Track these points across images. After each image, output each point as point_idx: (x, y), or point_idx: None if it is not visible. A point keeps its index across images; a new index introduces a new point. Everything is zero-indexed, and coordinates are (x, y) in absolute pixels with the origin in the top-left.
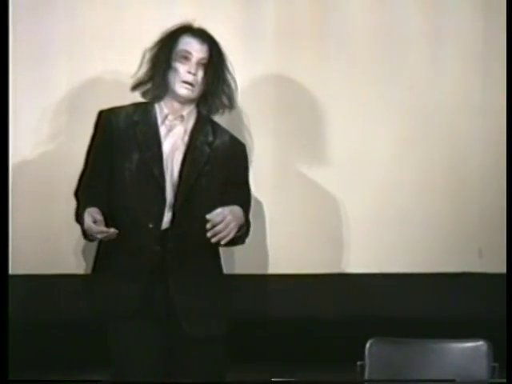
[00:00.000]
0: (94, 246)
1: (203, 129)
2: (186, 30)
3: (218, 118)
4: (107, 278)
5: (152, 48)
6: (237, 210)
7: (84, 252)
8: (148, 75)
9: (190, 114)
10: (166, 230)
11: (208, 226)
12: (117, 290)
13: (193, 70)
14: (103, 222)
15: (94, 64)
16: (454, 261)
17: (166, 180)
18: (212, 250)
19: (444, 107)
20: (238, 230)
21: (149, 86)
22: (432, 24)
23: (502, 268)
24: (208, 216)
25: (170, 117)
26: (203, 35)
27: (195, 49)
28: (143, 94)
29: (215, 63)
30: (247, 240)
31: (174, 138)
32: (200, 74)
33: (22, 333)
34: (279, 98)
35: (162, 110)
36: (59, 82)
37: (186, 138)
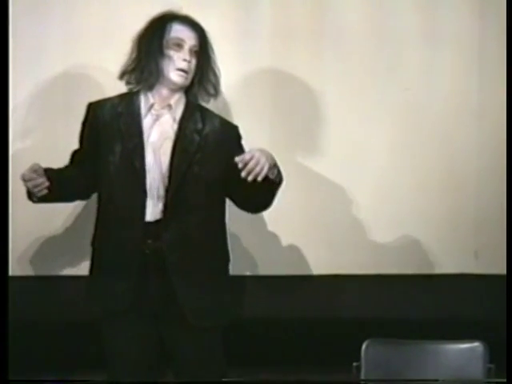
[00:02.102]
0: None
1: (192, 116)
2: (173, 17)
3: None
4: (105, 277)
5: (139, 36)
6: (264, 149)
7: (83, 254)
8: (136, 63)
9: (178, 102)
10: (158, 221)
11: (240, 165)
12: (114, 288)
13: (188, 58)
14: (42, 173)
15: (87, 61)
16: (450, 262)
17: (146, 170)
18: (210, 239)
19: (440, 108)
20: (270, 169)
21: (137, 74)
22: (428, 24)
23: (497, 269)
24: (236, 158)
25: (156, 106)
26: (192, 22)
27: (187, 36)
28: (129, 83)
29: (205, 51)
30: (242, 241)
31: (161, 127)
32: (193, 61)
33: (22, 333)
34: (274, 95)
35: (148, 99)
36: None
37: (175, 127)
